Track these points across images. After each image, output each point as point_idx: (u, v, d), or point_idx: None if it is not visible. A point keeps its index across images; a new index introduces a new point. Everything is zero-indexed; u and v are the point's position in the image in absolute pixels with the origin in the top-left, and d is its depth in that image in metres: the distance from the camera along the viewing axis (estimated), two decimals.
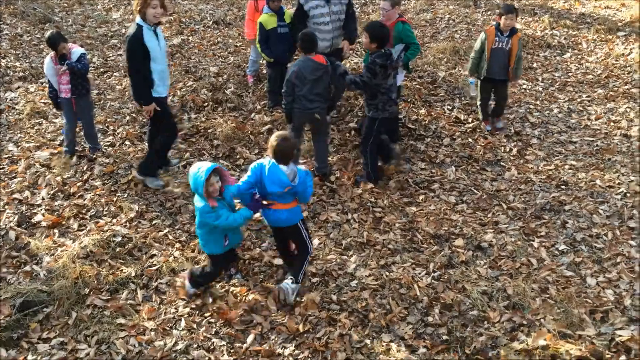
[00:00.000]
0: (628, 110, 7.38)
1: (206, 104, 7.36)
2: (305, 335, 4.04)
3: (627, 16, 9.71)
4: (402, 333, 4.11)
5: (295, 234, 4.39)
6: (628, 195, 5.65)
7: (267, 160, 4.09)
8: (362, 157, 5.99)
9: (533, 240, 5.12)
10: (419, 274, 4.73)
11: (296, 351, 3.92)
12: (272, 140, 4.08)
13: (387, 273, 4.69)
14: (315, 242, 4.99)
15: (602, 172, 6.11)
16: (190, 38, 9.71)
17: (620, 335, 3.84)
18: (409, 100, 7.57)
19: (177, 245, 4.91)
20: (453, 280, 4.61)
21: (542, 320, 4.10)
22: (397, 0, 6.25)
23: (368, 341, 4.02)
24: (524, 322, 4.11)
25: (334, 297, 4.40)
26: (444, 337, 4.05)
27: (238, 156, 6.35)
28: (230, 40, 9.62)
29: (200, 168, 3.86)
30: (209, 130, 6.69)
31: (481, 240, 5.13)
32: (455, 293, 4.47)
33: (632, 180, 5.87)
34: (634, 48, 8.78)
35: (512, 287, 4.47)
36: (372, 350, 3.93)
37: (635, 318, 4.04)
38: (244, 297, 4.34)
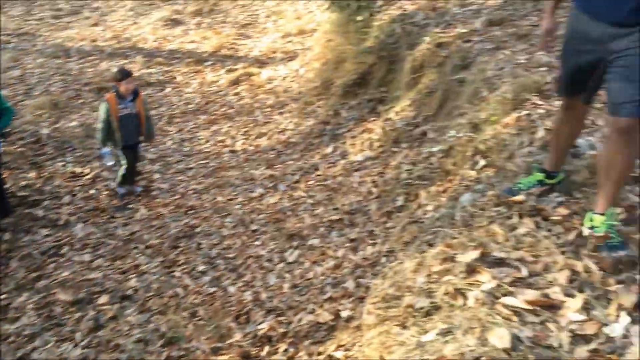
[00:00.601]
0: (229, 129, 8.32)
1: None
2: None
3: (208, 47, 10.92)
4: None
5: None
6: (245, 203, 6.36)
7: None
8: None
9: (175, 271, 5.28)
10: (67, 350, 4.32)
11: None
12: None
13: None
14: None
15: (221, 189, 6.72)
16: None
17: (261, 329, 4.30)
18: (13, 167, 6.82)
19: None
20: (104, 341, 4.37)
21: (196, 344, 4.26)
22: None
23: None
24: (182, 353, 4.20)
25: None
26: None
27: None
28: None
29: None
30: None
31: (125, 288, 5.02)
32: (110, 354, 4.25)
33: (245, 190, 6.63)
34: (221, 74, 9.95)
35: (165, 324, 4.51)
36: None
37: (270, 308, 4.57)
38: None
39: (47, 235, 5.77)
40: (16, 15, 12.70)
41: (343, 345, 3.24)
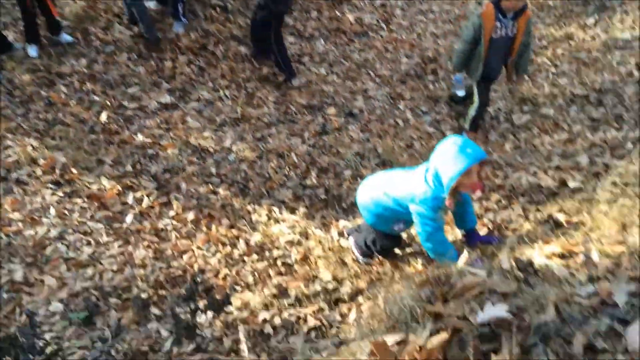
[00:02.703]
0: None
1: None
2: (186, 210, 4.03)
3: None
4: (283, 197, 4.25)
5: None
6: None
7: None
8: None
9: (399, 104, 5.40)
10: (295, 143, 4.82)
11: (176, 223, 3.92)
12: None
13: (264, 145, 4.73)
14: (189, 120, 4.86)
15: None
16: None
17: None
18: None
19: (34, 134, 4.50)
20: (328, 146, 4.78)
21: None
22: None
23: (250, 207, 4.12)
24: None
25: (213, 171, 4.38)
26: (322, 197, 4.26)
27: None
28: None
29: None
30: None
31: (352, 107, 5.30)
32: (330, 157, 4.66)
33: None
34: None
35: (382, 147, 4.74)
36: (255, 215, 4.04)
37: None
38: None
39: (292, 43, 6.19)
40: None
41: (565, 212, 3.10)
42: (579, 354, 1.56)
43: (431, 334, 1.59)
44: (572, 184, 3.52)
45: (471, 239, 3.19)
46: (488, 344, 1.60)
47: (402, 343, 1.61)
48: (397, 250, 3.38)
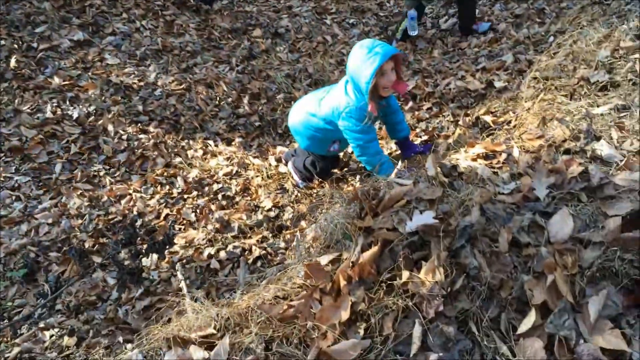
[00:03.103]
0: None
1: None
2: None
3: None
4: (217, 129, 4.15)
5: None
6: None
7: None
8: None
9: (326, 19, 5.25)
10: (223, 70, 4.66)
11: (109, 168, 3.79)
12: None
13: (191, 76, 4.54)
14: (107, 56, 4.57)
15: None
16: None
17: None
18: None
19: None
20: (257, 70, 4.64)
21: None
22: None
23: (184, 143, 4.01)
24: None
25: (140, 109, 4.20)
26: (257, 124, 4.18)
27: None
28: None
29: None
30: None
31: (278, 27, 5.12)
32: (261, 82, 4.54)
33: None
34: None
35: (312, 66, 4.65)
36: (190, 151, 3.95)
37: (417, 69, 4.50)
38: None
39: None
40: None
41: (493, 112, 3.17)
42: (504, 250, 1.64)
43: (363, 249, 1.64)
44: (497, 84, 3.58)
45: (406, 149, 3.20)
46: (418, 252, 1.66)
47: (335, 262, 1.65)
48: (336, 170, 3.40)
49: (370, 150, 2.90)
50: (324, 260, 1.66)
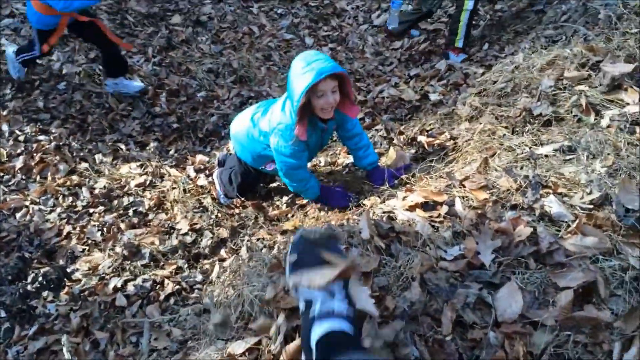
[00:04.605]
0: None
1: None
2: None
3: None
4: (129, 130, 3.74)
5: None
6: None
7: None
8: None
9: (252, 7, 4.88)
10: (138, 61, 4.21)
11: (2, 175, 3.32)
12: None
13: (100, 67, 4.06)
14: (4, 42, 4.00)
15: None
16: None
17: None
18: None
19: None
20: (176, 63, 4.23)
21: (266, 89, 4.09)
22: None
23: (91, 146, 3.58)
24: (252, 94, 4.06)
25: (41, 105, 3.70)
26: (175, 126, 3.81)
27: None
28: None
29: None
30: None
31: (200, 14, 4.70)
32: (180, 76, 4.14)
33: None
34: None
35: (237, 60, 4.30)
36: (98, 155, 3.53)
37: (350, 70, 4.26)
38: None
39: None
40: None
41: (428, 131, 2.99)
42: (447, 332, 1.46)
43: (286, 338, 1.39)
44: (432, 96, 3.41)
45: (375, 178, 2.74)
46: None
47: (252, 351, 1.40)
48: (259, 187, 3.12)
49: (296, 177, 2.64)
50: (239, 348, 1.41)
